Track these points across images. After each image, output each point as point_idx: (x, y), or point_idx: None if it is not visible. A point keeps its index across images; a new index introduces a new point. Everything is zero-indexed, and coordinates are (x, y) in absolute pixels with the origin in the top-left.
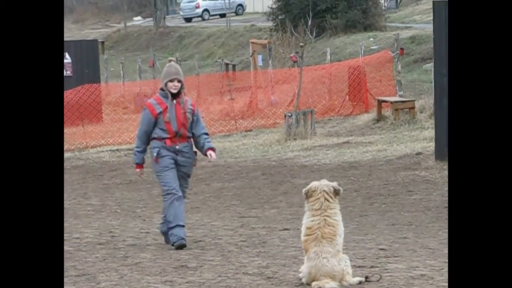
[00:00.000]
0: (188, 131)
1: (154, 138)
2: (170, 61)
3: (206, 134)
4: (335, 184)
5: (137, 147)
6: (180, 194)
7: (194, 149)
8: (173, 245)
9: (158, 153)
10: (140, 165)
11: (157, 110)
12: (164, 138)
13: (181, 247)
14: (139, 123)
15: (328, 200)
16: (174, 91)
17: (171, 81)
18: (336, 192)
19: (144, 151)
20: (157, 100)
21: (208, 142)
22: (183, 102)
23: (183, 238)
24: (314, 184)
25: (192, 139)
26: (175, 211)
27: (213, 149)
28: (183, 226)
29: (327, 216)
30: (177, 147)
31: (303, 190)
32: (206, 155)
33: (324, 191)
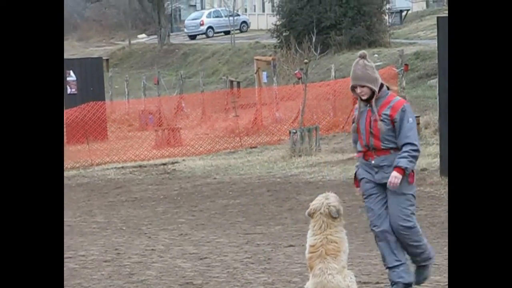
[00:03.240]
0: (384, 142)
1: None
2: (360, 56)
3: (409, 144)
4: (333, 204)
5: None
6: (383, 228)
7: None
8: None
9: (356, 174)
10: (356, 181)
11: (355, 115)
12: (360, 152)
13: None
14: None
15: (328, 220)
16: (364, 98)
17: (353, 89)
18: (331, 214)
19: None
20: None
21: (401, 158)
22: (376, 107)
23: (395, 283)
24: (314, 204)
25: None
26: (381, 252)
27: (401, 169)
28: (396, 266)
29: (329, 234)
30: (373, 162)
31: (306, 212)
32: None
33: (320, 213)
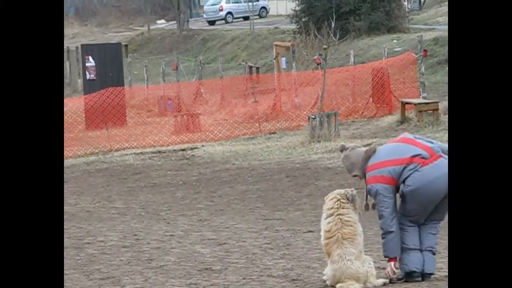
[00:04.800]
0: None
1: None
2: (339, 150)
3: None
4: (350, 190)
5: None
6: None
7: None
8: None
9: None
10: None
11: None
12: None
13: None
14: None
15: (341, 201)
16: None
17: None
18: (348, 198)
19: None
20: None
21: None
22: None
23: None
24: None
25: None
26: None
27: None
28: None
29: (341, 214)
30: None
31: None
32: None
33: (337, 195)
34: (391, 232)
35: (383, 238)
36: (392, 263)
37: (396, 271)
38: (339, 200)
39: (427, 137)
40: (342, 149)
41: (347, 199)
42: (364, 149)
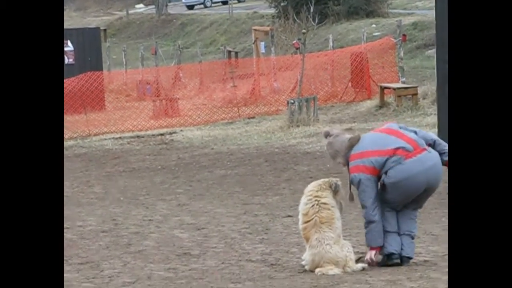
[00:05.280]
0: None
1: None
2: (324, 136)
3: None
4: (335, 179)
5: None
6: None
7: None
8: None
9: None
10: None
11: None
12: None
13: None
14: None
15: (321, 185)
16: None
17: None
18: (331, 187)
19: None
20: None
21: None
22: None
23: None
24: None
25: None
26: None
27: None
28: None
29: (318, 196)
30: None
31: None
32: None
33: (322, 181)
34: (374, 221)
35: (365, 227)
36: (373, 252)
37: (375, 260)
38: (319, 184)
39: (411, 128)
40: (327, 135)
41: (330, 187)
42: (348, 136)
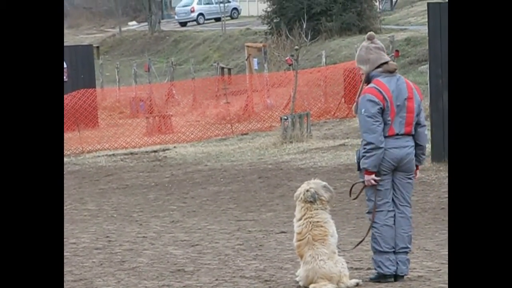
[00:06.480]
0: None
1: None
2: (367, 38)
3: (363, 140)
4: (310, 189)
5: None
6: None
7: None
8: None
9: None
10: None
11: None
12: None
13: None
14: None
15: (306, 205)
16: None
17: None
18: (307, 199)
19: None
20: None
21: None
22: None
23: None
24: (297, 191)
25: None
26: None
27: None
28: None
29: (309, 217)
30: None
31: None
32: None
33: (300, 199)
34: (380, 148)
35: (369, 152)
36: (372, 175)
37: (377, 179)
38: (303, 207)
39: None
40: (371, 38)
41: (310, 202)
42: (387, 59)
